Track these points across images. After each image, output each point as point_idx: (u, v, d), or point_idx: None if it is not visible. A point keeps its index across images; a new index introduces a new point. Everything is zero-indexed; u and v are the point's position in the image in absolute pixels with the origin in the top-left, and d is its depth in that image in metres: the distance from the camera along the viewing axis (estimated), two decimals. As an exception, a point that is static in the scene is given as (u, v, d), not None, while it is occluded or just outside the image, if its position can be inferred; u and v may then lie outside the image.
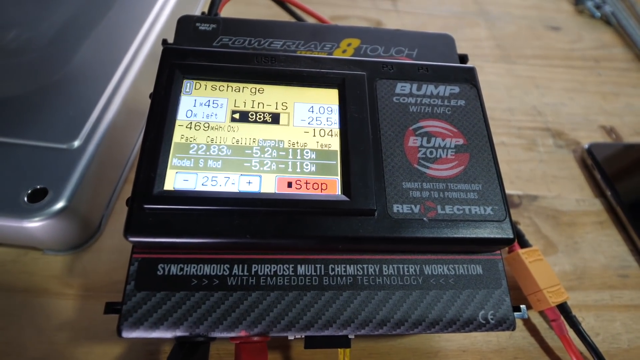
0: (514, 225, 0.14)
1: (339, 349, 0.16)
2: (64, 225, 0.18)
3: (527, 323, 0.20)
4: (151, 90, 0.15)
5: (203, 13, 0.19)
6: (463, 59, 0.20)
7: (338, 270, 0.14)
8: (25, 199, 0.18)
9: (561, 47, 0.37)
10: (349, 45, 0.19)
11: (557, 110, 0.32)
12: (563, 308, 0.19)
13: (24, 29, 0.24)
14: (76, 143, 0.19)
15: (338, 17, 0.36)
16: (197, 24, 0.18)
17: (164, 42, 0.18)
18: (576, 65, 0.36)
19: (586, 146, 0.28)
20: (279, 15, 0.28)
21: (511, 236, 0.14)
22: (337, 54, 0.18)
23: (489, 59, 0.36)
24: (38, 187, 0.18)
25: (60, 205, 0.18)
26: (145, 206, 0.12)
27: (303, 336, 0.15)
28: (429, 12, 0.39)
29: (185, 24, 0.18)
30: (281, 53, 0.16)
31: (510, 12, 0.40)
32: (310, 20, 0.27)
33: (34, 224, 0.17)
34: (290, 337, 0.15)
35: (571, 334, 0.19)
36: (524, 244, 0.21)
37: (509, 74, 0.34)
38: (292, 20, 0.28)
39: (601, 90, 0.34)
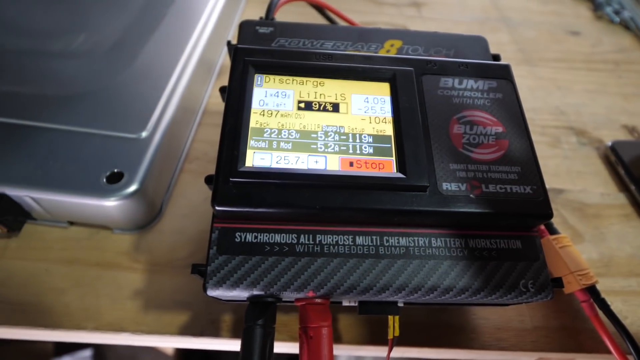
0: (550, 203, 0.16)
1: (389, 316, 0.17)
2: (135, 206, 0.20)
3: (558, 305, 0.22)
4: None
5: (261, 18, 0.21)
6: (496, 57, 0.21)
7: (392, 242, 0.16)
8: (104, 180, 0.20)
9: (581, 51, 0.39)
10: (392, 45, 0.21)
11: (580, 110, 0.33)
12: (592, 290, 0.20)
13: (91, 34, 0.27)
14: (144, 134, 0.22)
15: (366, 23, 0.39)
16: (257, 27, 0.20)
17: (229, 43, 0.20)
18: (597, 68, 0.37)
19: (609, 144, 0.29)
20: (316, 19, 0.31)
21: (549, 211, 0.15)
22: (382, 54, 0.20)
23: (512, 62, 0.37)
24: (115, 170, 0.20)
25: (134, 187, 0.20)
26: (231, 180, 0.14)
27: (356, 303, 0.17)
28: (452, 19, 0.41)
29: (246, 27, 0.20)
30: (337, 52, 0.18)
31: (530, 19, 0.42)
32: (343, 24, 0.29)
33: (111, 203, 0.20)
34: (345, 303, 0.17)
35: (601, 315, 0.20)
36: (553, 231, 0.22)
37: (532, 76, 0.36)
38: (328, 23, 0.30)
39: (622, 92, 0.35)
